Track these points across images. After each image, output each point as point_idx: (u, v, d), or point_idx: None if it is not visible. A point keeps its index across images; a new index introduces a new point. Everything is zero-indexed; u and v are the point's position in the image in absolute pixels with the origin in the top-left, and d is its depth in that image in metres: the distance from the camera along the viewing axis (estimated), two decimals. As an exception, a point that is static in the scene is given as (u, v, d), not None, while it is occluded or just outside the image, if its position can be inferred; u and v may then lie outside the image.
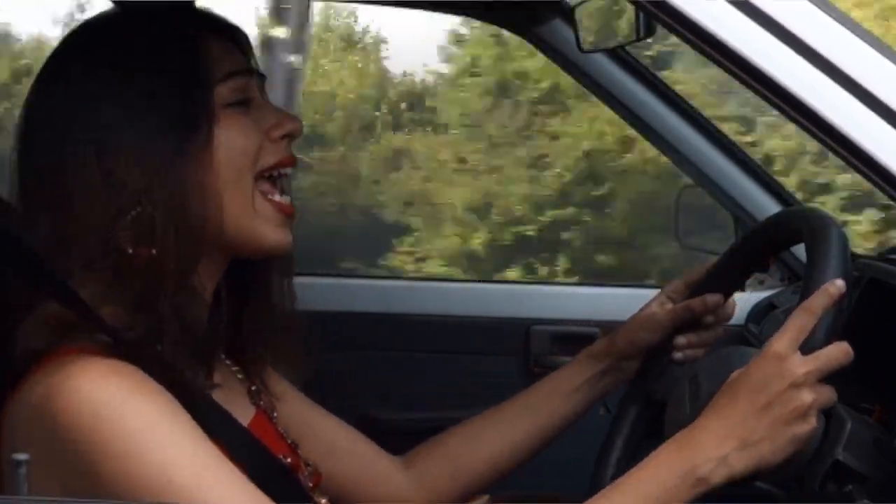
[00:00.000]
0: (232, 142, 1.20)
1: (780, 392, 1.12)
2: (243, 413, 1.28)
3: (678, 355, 1.46)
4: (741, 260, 1.47)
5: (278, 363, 1.38)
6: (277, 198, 1.24)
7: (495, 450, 1.49)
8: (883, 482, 1.18)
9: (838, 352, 1.14)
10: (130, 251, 1.15)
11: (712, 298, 1.45)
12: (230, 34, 1.27)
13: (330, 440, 1.45)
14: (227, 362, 1.33)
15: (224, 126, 1.20)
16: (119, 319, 1.14)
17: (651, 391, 1.46)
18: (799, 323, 1.15)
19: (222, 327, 1.28)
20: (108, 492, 1.07)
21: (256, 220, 1.22)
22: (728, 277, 1.48)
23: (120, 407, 1.07)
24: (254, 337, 1.34)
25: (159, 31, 1.22)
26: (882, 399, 1.38)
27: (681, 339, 1.47)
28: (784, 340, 1.14)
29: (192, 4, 1.30)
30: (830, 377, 1.14)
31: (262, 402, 1.34)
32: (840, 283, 1.15)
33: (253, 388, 1.34)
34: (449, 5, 2.28)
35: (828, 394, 1.14)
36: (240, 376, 1.34)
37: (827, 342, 1.14)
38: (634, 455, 1.47)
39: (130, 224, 1.16)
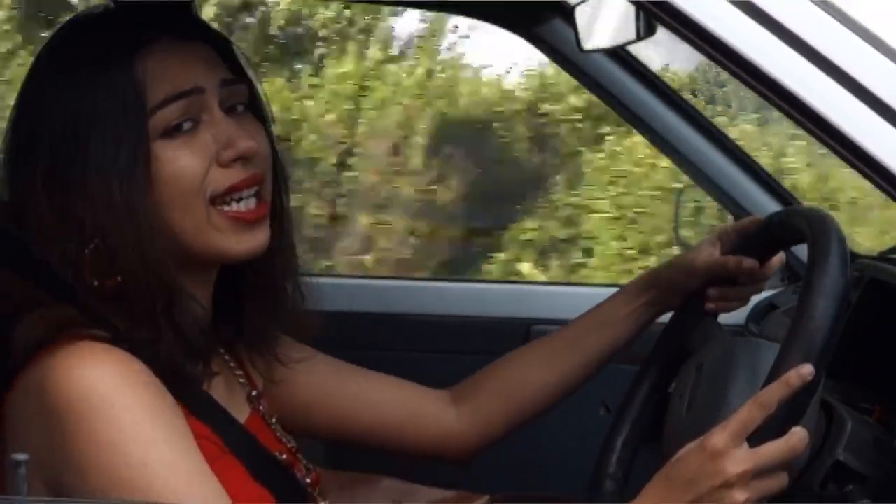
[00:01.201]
0: (172, 174, 1.17)
1: (710, 490, 1.08)
2: (239, 414, 1.28)
3: (710, 306, 1.46)
4: (756, 247, 1.46)
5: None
6: (234, 207, 1.20)
7: (546, 380, 1.50)
8: (883, 482, 1.18)
9: (784, 448, 1.08)
10: (96, 283, 1.15)
11: (748, 262, 1.43)
12: (207, 41, 1.23)
13: (367, 391, 1.46)
14: (232, 364, 1.34)
15: (162, 158, 1.17)
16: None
17: (682, 341, 1.46)
18: (745, 416, 1.08)
19: (219, 329, 1.28)
20: (92, 479, 1.07)
21: (214, 236, 1.20)
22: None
23: (111, 393, 1.08)
24: (256, 337, 1.34)
25: (103, 47, 1.19)
26: (882, 399, 1.38)
27: (712, 291, 1.46)
28: (724, 435, 1.08)
29: (154, 9, 1.23)
30: (830, 377, 1.14)
31: (260, 407, 1.34)
32: (806, 371, 1.08)
33: (253, 392, 1.34)
34: (449, 5, 2.27)
35: (769, 485, 1.09)
36: (241, 381, 1.34)
37: (780, 434, 1.08)
38: (634, 455, 1.47)
39: (90, 258, 1.15)
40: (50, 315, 1.13)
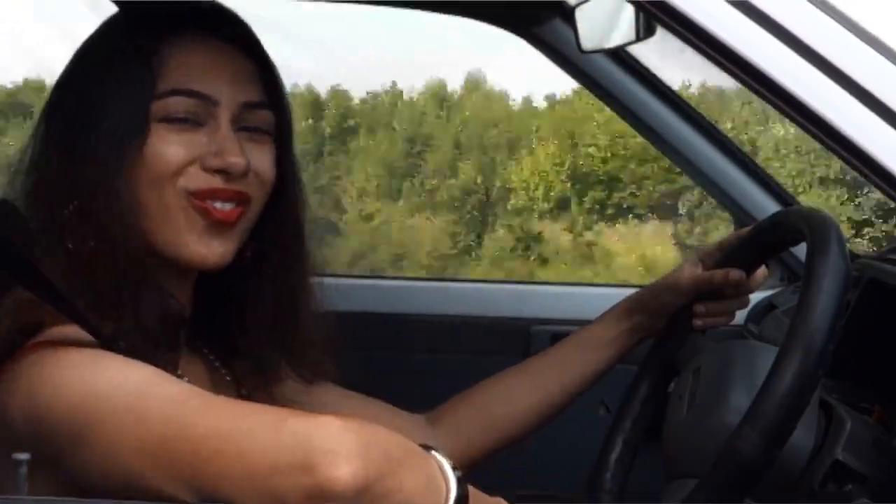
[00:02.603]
0: (155, 153, 1.19)
1: None
2: None
3: (698, 322, 1.47)
4: (740, 260, 1.47)
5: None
6: (208, 203, 1.21)
7: (528, 404, 1.50)
8: (883, 482, 1.18)
9: None
10: (70, 246, 1.17)
11: (734, 273, 1.45)
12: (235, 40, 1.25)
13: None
14: (217, 364, 1.34)
15: (154, 138, 1.19)
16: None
17: (671, 357, 1.46)
18: None
19: (186, 326, 1.27)
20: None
21: (176, 227, 1.21)
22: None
23: (100, 386, 1.06)
24: (227, 348, 1.34)
25: (134, 31, 1.23)
26: (882, 399, 1.38)
27: (699, 307, 1.47)
28: None
29: (198, 8, 1.27)
30: (830, 377, 1.14)
31: None
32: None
33: (243, 391, 1.34)
34: (449, 5, 2.27)
35: None
36: (228, 378, 1.34)
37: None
38: (634, 455, 1.48)
39: (71, 218, 1.18)
40: (21, 306, 1.12)
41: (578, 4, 2.01)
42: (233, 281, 1.29)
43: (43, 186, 1.21)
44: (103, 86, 1.21)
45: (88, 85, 1.23)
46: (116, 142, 1.19)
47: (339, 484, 0.94)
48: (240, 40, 1.26)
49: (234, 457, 0.98)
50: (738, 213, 2.25)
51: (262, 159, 1.24)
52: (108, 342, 1.12)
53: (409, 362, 2.27)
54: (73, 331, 1.10)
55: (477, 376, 2.26)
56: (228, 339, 1.34)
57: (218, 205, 1.21)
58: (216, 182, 1.21)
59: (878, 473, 1.18)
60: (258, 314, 1.31)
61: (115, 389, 1.05)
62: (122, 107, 1.19)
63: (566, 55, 2.18)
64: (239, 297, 1.31)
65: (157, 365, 1.13)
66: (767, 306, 2.19)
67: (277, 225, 1.30)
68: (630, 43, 1.91)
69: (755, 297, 2.24)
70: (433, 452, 1.04)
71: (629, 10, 1.82)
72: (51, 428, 1.06)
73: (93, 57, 1.26)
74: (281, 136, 1.29)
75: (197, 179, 1.20)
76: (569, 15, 2.07)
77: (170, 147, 1.20)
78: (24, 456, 0.94)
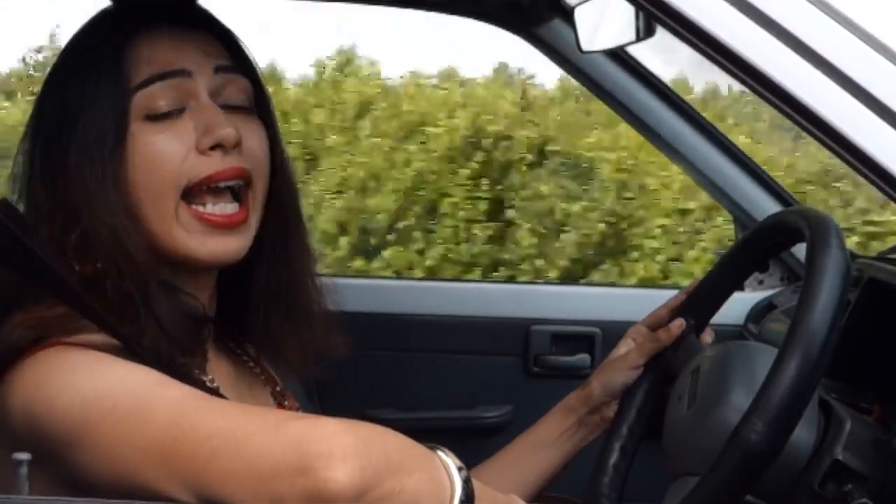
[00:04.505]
0: (148, 157, 1.16)
1: None
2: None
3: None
4: (740, 261, 1.47)
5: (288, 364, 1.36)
6: (207, 208, 1.18)
7: None
8: (883, 482, 1.18)
9: None
10: (77, 268, 1.15)
11: (676, 325, 1.44)
12: (204, 29, 1.22)
13: None
14: (251, 364, 1.34)
15: (140, 141, 1.16)
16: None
17: (668, 361, 1.46)
18: None
19: (209, 324, 1.25)
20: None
21: (179, 234, 1.18)
22: (728, 278, 1.48)
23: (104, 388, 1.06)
24: (261, 342, 1.33)
25: (98, 37, 1.21)
26: (881, 399, 1.38)
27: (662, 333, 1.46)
28: None
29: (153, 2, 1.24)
30: (830, 377, 1.14)
31: (286, 403, 1.34)
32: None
33: (277, 388, 1.34)
34: (449, 5, 2.27)
35: None
36: (262, 377, 1.34)
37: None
38: (632, 460, 1.48)
39: (76, 243, 1.16)
40: (35, 317, 1.12)
41: (578, 4, 2.01)
42: (247, 272, 1.27)
43: (39, 212, 1.18)
44: (78, 96, 1.17)
45: (63, 99, 1.19)
46: (100, 148, 1.15)
47: (335, 486, 0.94)
48: (202, 21, 1.25)
49: (233, 458, 0.98)
50: (738, 213, 2.25)
51: (251, 136, 1.22)
52: (129, 345, 1.11)
53: (410, 362, 2.27)
54: (81, 338, 1.11)
55: (477, 376, 2.27)
56: (253, 334, 1.32)
57: (218, 209, 1.19)
58: (214, 164, 1.18)
59: (877, 473, 1.18)
60: (270, 302, 1.29)
61: (116, 390, 1.05)
62: (100, 109, 1.16)
63: (566, 55, 2.18)
64: (250, 288, 1.29)
65: (184, 367, 1.14)
66: (767, 306, 2.20)
67: (278, 207, 1.27)
68: (630, 43, 1.91)
69: (755, 297, 2.25)
70: (438, 452, 1.04)
71: (629, 10, 1.82)
72: (51, 427, 1.06)
73: (64, 71, 1.22)
74: (264, 110, 1.26)
75: (196, 167, 1.17)
76: (569, 15, 2.07)
77: (161, 144, 1.17)
78: (24, 456, 0.94)
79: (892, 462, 1.19)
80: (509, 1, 2.17)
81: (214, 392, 1.18)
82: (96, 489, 1.05)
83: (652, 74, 2.22)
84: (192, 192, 1.18)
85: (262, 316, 1.30)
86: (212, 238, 1.19)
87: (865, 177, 1.10)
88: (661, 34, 1.13)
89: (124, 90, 1.16)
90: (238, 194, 1.21)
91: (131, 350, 1.11)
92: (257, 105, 1.25)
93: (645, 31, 1.82)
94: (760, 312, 2.20)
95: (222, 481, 0.98)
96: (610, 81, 2.21)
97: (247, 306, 1.30)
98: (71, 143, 1.16)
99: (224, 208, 1.19)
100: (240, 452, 0.98)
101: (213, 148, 1.18)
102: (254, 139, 1.22)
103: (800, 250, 1.91)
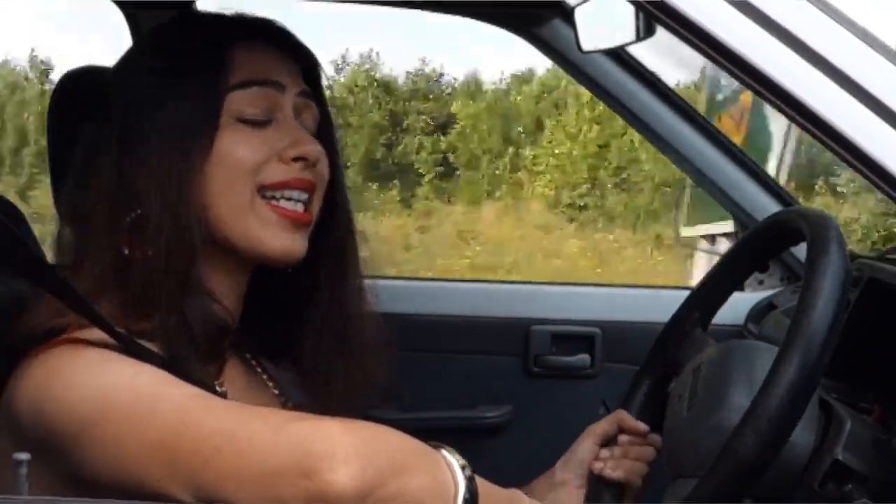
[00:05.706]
0: (232, 152, 1.20)
1: None
2: None
3: (598, 465, 1.42)
4: (740, 261, 1.47)
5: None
6: (282, 203, 1.22)
7: None
8: (883, 482, 1.18)
9: None
10: (126, 252, 1.17)
11: (625, 421, 1.43)
12: (286, 49, 1.26)
13: None
14: (264, 376, 1.34)
15: (227, 137, 1.20)
16: (113, 317, 1.14)
17: (672, 357, 1.46)
18: None
19: (232, 333, 1.26)
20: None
21: (254, 224, 1.21)
22: (728, 278, 1.48)
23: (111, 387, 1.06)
24: (274, 352, 1.34)
25: (193, 37, 1.24)
26: (881, 399, 1.38)
27: (604, 452, 1.43)
28: None
29: (245, 16, 1.29)
30: (830, 377, 1.14)
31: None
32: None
33: (285, 400, 1.34)
34: (449, 5, 2.28)
35: None
36: (275, 391, 1.34)
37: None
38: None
39: (129, 226, 1.17)
40: (48, 313, 1.13)
41: (578, 4, 2.01)
42: (287, 285, 1.29)
43: (101, 196, 1.20)
44: (168, 86, 1.20)
45: (148, 87, 1.21)
46: (186, 139, 1.18)
47: (336, 487, 0.94)
48: (292, 45, 1.29)
49: (235, 458, 0.98)
50: (738, 213, 2.25)
51: (322, 159, 1.26)
52: (130, 345, 1.12)
53: (410, 362, 2.27)
54: (90, 334, 1.11)
55: (477, 376, 2.27)
56: (277, 347, 1.33)
57: (290, 205, 1.22)
58: (292, 172, 1.22)
59: (877, 473, 1.18)
60: (311, 320, 1.31)
61: (122, 388, 1.06)
62: (192, 102, 1.19)
63: (566, 55, 2.19)
64: (291, 303, 1.31)
65: (198, 371, 1.15)
66: (767, 306, 2.20)
67: (332, 230, 1.31)
68: (630, 43, 1.91)
69: (755, 297, 2.25)
70: (442, 451, 1.04)
71: (629, 10, 1.82)
72: (57, 423, 1.06)
73: (152, 58, 1.25)
74: (328, 138, 1.30)
75: (274, 171, 1.21)
76: (569, 15, 2.07)
77: (244, 147, 1.20)
78: (24, 456, 0.94)
79: (892, 462, 1.19)
80: (510, 1, 2.18)
81: (222, 397, 1.18)
82: (98, 486, 1.05)
83: (652, 74, 2.23)
84: (266, 191, 1.22)
85: (313, 348, 1.32)
86: (284, 232, 1.22)
87: (865, 176, 1.10)
88: (671, 40, 1.13)
89: (220, 88, 1.20)
90: (306, 199, 1.25)
91: (136, 348, 1.12)
92: (319, 133, 1.29)
93: (645, 31, 1.82)
94: (760, 312, 2.20)
95: (224, 481, 0.98)
96: (610, 81, 2.21)
97: (271, 318, 1.32)
98: (154, 129, 1.19)
99: (295, 206, 1.24)
100: (242, 452, 0.98)
101: (294, 160, 1.22)
102: (324, 162, 1.27)
103: (800, 250, 1.92)
